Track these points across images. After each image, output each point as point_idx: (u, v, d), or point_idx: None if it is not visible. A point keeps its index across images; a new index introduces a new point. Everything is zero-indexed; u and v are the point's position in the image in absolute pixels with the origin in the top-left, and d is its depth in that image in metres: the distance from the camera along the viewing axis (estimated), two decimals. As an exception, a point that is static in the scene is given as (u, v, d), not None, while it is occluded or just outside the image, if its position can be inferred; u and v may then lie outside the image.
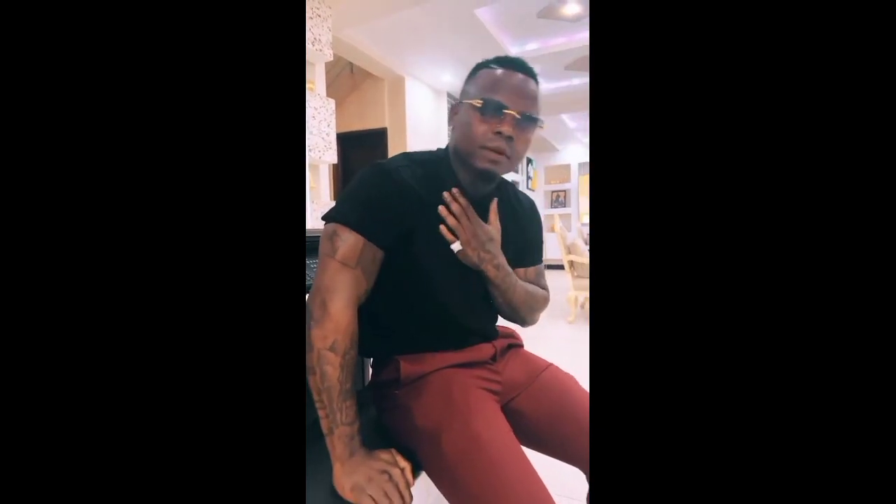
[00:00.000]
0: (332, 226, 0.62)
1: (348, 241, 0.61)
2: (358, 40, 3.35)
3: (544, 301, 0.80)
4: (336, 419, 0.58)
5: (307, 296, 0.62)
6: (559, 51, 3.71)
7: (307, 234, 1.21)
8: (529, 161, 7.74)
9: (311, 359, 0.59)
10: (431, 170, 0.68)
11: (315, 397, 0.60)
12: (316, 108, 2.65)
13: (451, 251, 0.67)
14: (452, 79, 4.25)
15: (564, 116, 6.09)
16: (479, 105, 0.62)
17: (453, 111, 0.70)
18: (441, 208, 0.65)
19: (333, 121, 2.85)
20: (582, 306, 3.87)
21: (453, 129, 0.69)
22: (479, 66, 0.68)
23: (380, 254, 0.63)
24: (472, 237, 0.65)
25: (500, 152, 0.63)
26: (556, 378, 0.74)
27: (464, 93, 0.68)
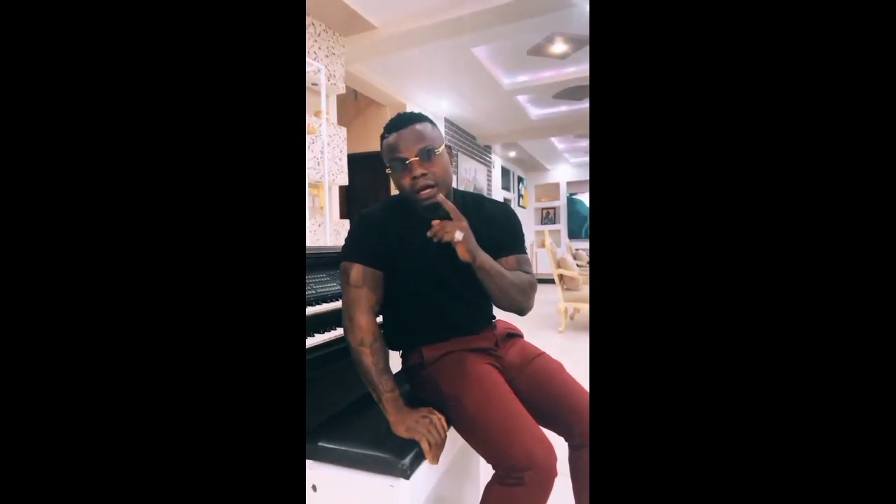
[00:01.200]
0: (343, 263, 0.87)
1: (354, 270, 0.85)
2: (366, 73, 3.59)
3: (531, 285, 0.90)
4: (379, 390, 0.81)
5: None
6: (548, 83, 4.00)
7: (321, 251, 1.42)
8: (521, 180, 7.98)
9: (352, 354, 0.85)
10: (404, 208, 0.88)
11: (363, 380, 0.84)
12: (331, 136, 2.89)
13: (430, 267, 0.86)
14: (450, 106, 4.48)
15: (553, 139, 6.39)
16: (389, 172, 0.83)
17: (390, 178, 0.88)
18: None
19: (345, 147, 3.08)
20: (571, 317, 4.08)
21: (396, 188, 0.87)
22: (381, 139, 0.85)
23: (379, 274, 0.86)
24: (443, 227, 0.78)
25: (425, 188, 0.80)
26: (547, 364, 0.92)
27: (384, 159, 0.86)
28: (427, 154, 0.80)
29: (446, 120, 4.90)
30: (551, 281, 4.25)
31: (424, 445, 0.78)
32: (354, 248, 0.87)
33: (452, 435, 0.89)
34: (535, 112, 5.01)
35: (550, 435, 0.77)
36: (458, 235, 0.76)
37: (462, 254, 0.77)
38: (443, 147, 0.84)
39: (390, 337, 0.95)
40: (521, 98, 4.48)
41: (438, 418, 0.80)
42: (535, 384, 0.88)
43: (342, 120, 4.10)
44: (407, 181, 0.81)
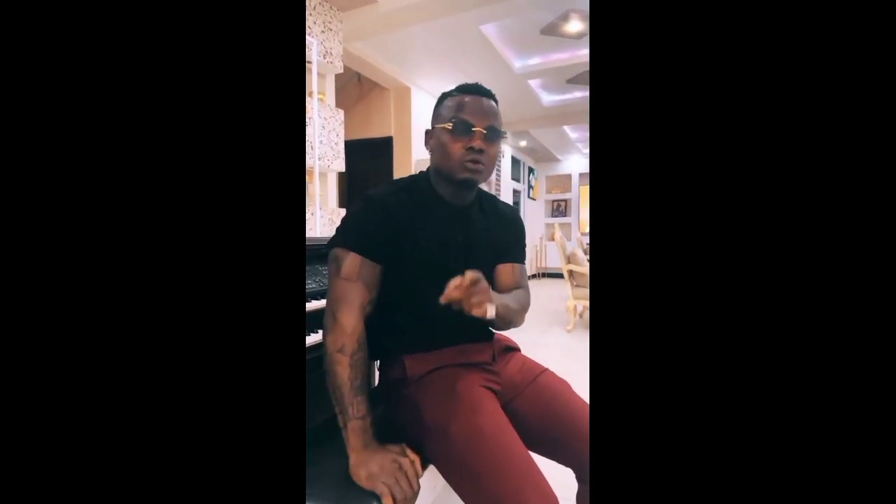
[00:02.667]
0: (335, 250, 0.73)
1: (348, 260, 0.71)
2: (366, 53, 3.42)
3: (527, 301, 0.86)
4: (348, 413, 0.66)
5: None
6: (561, 66, 3.79)
7: (317, 242, 1.26)
8: (531, 171, 7.81)
9: (326, 362, 0.69)
10: (414, 192, 0.78)
11: (331, 396, 0.68)
12: (326, 119, 2.73)
13: (437, 261, 0.75)
14: None
15: (566, 128, 6.17)
16: (450, 128, 0.74)
17: (428, 137, 0.80)
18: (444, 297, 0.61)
19: (342, 131, 2.92)
20: (580, 315, 3.93)
21: (431, 152, 0.79)
22: (445, 96, 0.79)
23: (378, 267, 0.73)
24: (468, 294, 0.62)
25: (475, 162, 0.74)
26: (551, 383, 0.80)
27: (435, 119, 0.79)
28: (494, 133, 0.75)
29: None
30: (560, 276, 4.07)
31: (387, 502, 0.62)
32: (353, 233, 0.73)
33: (429, 479, 0.73)
34: (547, 98, 4.82)
35: (555, 466, 0.68)
36: (491, 311, 0.64)
37: (489, 318, 0.65)
38: (505, 136, 0.80)
39: (372, 341, 0.78)
40: (534, 83, 4.29)
41: (411, 462, 0.66)
42: (538, 407, 0.76)
43: (344, 104, 3.96)
44: (461, 147, 0.74)
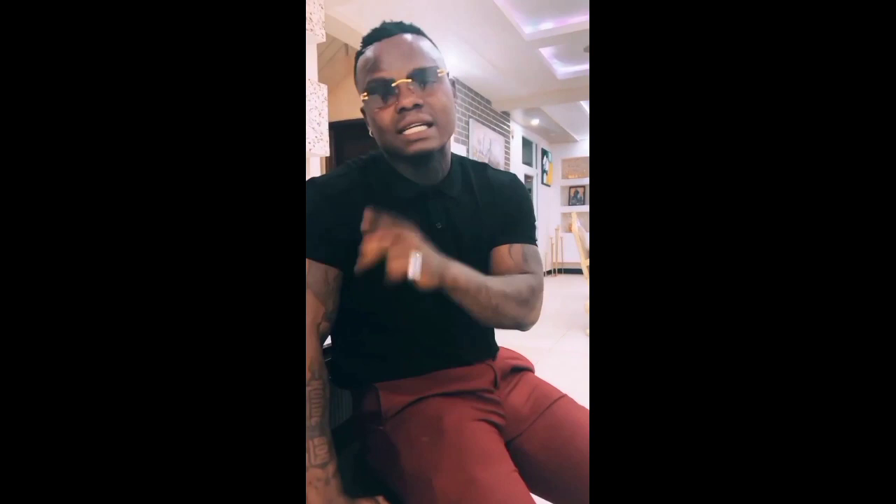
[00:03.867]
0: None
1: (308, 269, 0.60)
2: (352, 19, 3.10)
3: (530, 289, 0.65)
4: (305, 461, 0.55)
5: None
6: (578, 30, 3.41)
7: None
8: (545, 153, 7.50)
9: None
10: (372, 174, 0.65)
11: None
12: (307, 95, 2.42)
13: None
14: (460, 62, 3.98)
15: (584, 104, 5.73)
16: (365, 101, 0.61)
17: (364, 116, 0.65)
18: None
19: (326, 109, 2.61)
20: (601, 314, 3.60)
21: (372, 134, 0.64)
22: (357, 56, 0.65)
23: (332, 271, 0.61)
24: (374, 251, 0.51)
25: (419, 122, 0.58)
26: (569, 413, 0.66)
27: (358, 90, 0.64)
28: (422, 76, 0.59)
29: (455, 80, 4.39)
30: (579, 271, 3.72)
31: None
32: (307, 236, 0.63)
33: None
34: (562, 70, 4.46)
35: None
36: (415, 265, 0.50)
37: (424, 283, 0.51)
38: (445, 72, 0.63)
39: (337, 366, 0.70)
40: (546, 51, 3.94)
41: None
42: (550, 445, 0.63)
43: (330, 80, 3.66)
44: (390, 114, 0.59)
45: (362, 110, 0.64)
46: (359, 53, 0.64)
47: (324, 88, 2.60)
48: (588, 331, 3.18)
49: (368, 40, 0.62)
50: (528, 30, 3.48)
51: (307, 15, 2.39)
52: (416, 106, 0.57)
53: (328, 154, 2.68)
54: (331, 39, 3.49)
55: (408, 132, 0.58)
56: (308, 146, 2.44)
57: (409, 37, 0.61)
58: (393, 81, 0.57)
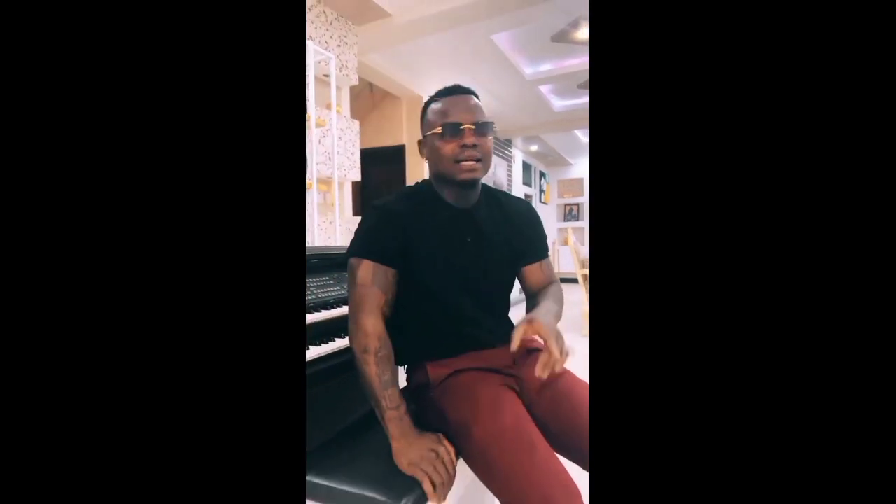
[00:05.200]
0: (351, 260, 0.78)
1: (362, 267, 0.76)
2: (380, 64, 3.49)
3: (562, 294, 0.89)
4: (382, 406, 0.70)
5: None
6: (572, 71, 3.81)
7: (323, 252, 1.33)
8: (542, 175, 7.82)
9: (355, 364, 0.74)
10: (418, 199, 0.82)
11: (367, 394, 0.73)
12: (342, 130, 2.80)
13: (447, 265, 0.77)
14: None
15: (577, 132, 6.18)
16: (440, 132, 0.77)
17: (421, 147, 0.84)
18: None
19: (358, 141, 2.99)
20: (596, 319, 3.91)
21: (428, 160, 0.82)
22: (427, 104, 0.83)
23: (390, 271, 0.76)
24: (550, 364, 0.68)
25: (473, 159, 0.76)
26: (571, 385, 0.80)
27: (425, 127, 0.82)
28: (483, 127, 0.77)
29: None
30: (574, 280, 4.07)
31: (427, 487, 0.66)
32: (364, 242, 0.78)
33: (462, 468, 0.76)
34: (558, 103, 4.84)
35: (573, 467, 0.69)
36: (565, 352, 0.70)
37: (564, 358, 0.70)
38: (495, 128, 0.80)
39: (395, 349, 0.83)
40: (544, 88, 4.32)
41: (447, 450, 0.70)
42: (556, 408, 0.77)
43: (357, 113, 4.03)
44: (453, 148, 0.76)
45: (420, 142, 0.83)
46: (430, 101, 0.82)
47: (356, 124, 3.02)
48: (584, 332, 3.52)
49: (445, 93, 0.80)
50: (528, 71, 3.87)
51: (345, 63, 2.81)
52: (474, 146, 0.75)
53: (359, 179, 3.07)
54: (359, 80, 3.87)
55: (464, 164, 0.75)
56: (344, 173, 2.83)
57: (473, 97, 0.80)
58: (461, 125, 0.75)
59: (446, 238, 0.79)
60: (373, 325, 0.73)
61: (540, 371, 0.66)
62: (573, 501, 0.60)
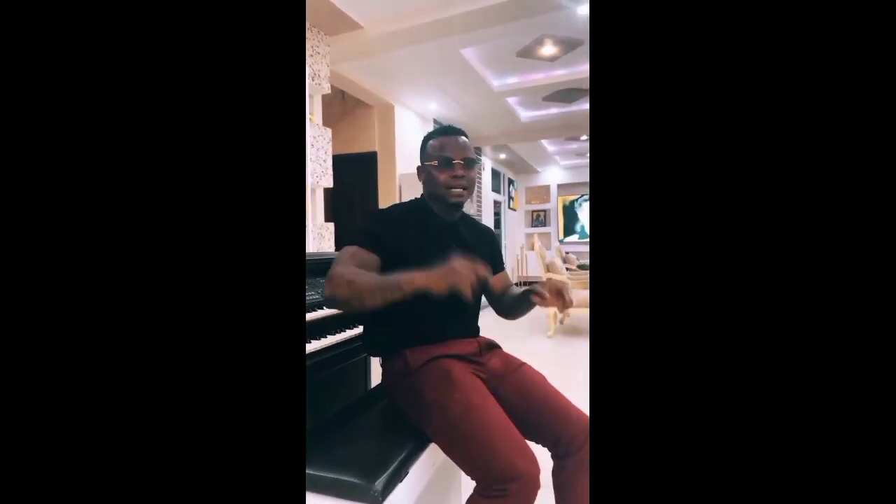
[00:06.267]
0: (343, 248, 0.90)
1: (349, 249, 0.87)
2: (352, 73, 3.54)
3: None
4: (406, 280, 0.72)
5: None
6: (537, 85, 3.99)
7: (310, 256, 1.39)
8: (511, 182, 8.00)
9: (355, 301, 0.76)
10: (414, 210, 1.00)
11: (381, 298, 0.74)
12: (315, 137, 2.84)
13: (437, 262, 0.80)
14: (439, 107, 4.46)
15: (544, 141, 6.39)
16: (436, 164, 0.96)
17: (420, 172, 1.02)
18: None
19: (330, 148, 3.03)
20: (561, 322, 4.08)
21: (424, 183, 1.01)
22: (427, 139, 1.01)
23: (372, 256, 0.87)
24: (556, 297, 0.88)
25: (461, 187, 0.95)
26: (530, 374, 0.96)
27: (424, 157, 1.00)
28: (471, 163, 0.97)
29: (435, 122, 4.87)
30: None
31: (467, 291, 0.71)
32: (359, 235, 0.90)
33: (432, 450, 0.86)
34: (525, 114, 5.01)
35: (535, 448, 0.77)
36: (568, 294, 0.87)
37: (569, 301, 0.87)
38: (480, 163, 1.01)
39: (375, 340, 1.00)
40: (511, 100, 4.47)
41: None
42: (519, 393, 0.90)
43: (328, 121, 4.04)
44: (446, 177, 0.95)
45: (418, 168, 1.01)
46: (429, 137, 1.00)
47: (328, 132, 3.07)
48: (549, 333, 3.67)
49: (441, 132, 0.99)
50: (496, 83, 4.02)
51: (316, 72, 2.85)
52: (462, 176, 0.95)
53: (331, 185, 3.10)
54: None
55: (453, 190, 0.95)
56: (316, 179, 2.87)
57: (464, 139, 0.98)
58: (453, 160, 0.95)
59: (434, 242, 0.94)
60: (348, 269, 0.80)
61: (561, 306, 0.86)
62: (533, 465, 0.70)
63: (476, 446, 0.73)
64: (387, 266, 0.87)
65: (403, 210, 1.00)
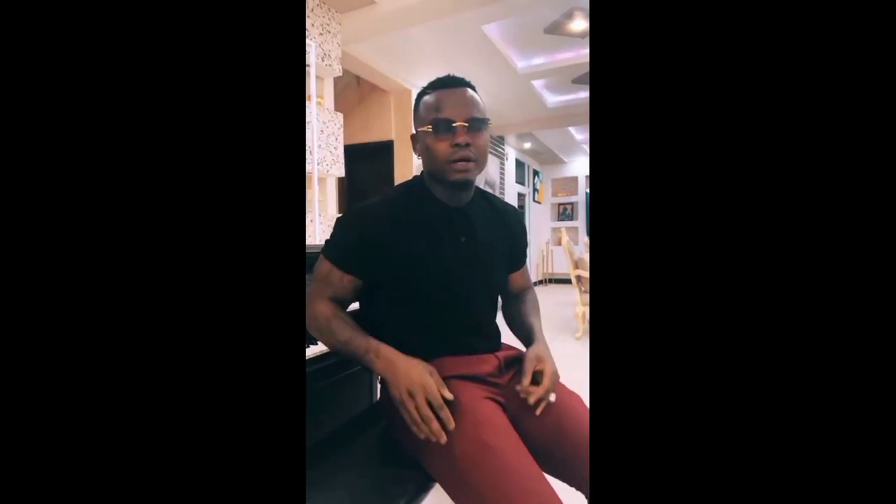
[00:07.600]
0: (320, 257, 0.76)
1: (322, 265, 0.75)
2: (365, 55, 3.37)
3: (537, 299, 0.93)
4: (371, 347, 0.68)
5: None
6: (566, 65, 3.71)
7: (309, 249, 1.23)
8: (536, 173, 7.75)
9: (327, 346, 0.72)
10: (408, 198, 0.76)
11: (351, 357, 0.70)
12: (325, 123, 2.67)
13: (439, 264, 0.73)
14: None
15: (572, 129, 6.08)
16: (431, 129, 0.70)
17: (414, 142, 0.77)
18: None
19: (341, 135, 2.86)
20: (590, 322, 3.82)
21: (420, 156, 0.76)
22: (419, 96, 0.76)
23: (347, 277, 0.73)
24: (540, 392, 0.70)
25: (465, 160, 0.70)
26: (561, 397, 0.73)
27: (416, 122, 0.75)
28: (477, 123, 0.71)
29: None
30: (567, 281, 3.97)
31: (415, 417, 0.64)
32: (333, 247, 0.75)
33: (439, 491, 0.69)
34: (552, 99, 4.74)
35: (565, 487, 0.66)
36: (552, 397, 0.72)
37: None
38: (490, 124, 0.74)
39: None
40: (537, 83, 4.23)
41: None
42: (546, 422, 0.70)
43: (343, 107, 3.91)
44: (446, 147, 0.70)
45: (412, 137, 0.76)
46: (422, 94, 0.74)
47: (340, 117, 2.89)
48: (577, 335, 3.43)
49: (434, 86, 0.73)
50: (521, 64, 3.77)
51: (327, 52, 2.68)
52: (467, 144, 0.69)
53: (343, 175, 2.94)
54: (343, 72, 3.75)
55: (456, 164, 0.69)
56: (326, 168, 2.70)
57: (468, 90, 0.72)
58: (453, 122, 0.69)
59: (438, 237, 0.73)
60: (325, 306, 0.73)
61: (533, 401, 0.68)
62: None
63: (489, 496, 0.56)
64: (375, 283, 0.74)
65: (394, 200, 0.75)
